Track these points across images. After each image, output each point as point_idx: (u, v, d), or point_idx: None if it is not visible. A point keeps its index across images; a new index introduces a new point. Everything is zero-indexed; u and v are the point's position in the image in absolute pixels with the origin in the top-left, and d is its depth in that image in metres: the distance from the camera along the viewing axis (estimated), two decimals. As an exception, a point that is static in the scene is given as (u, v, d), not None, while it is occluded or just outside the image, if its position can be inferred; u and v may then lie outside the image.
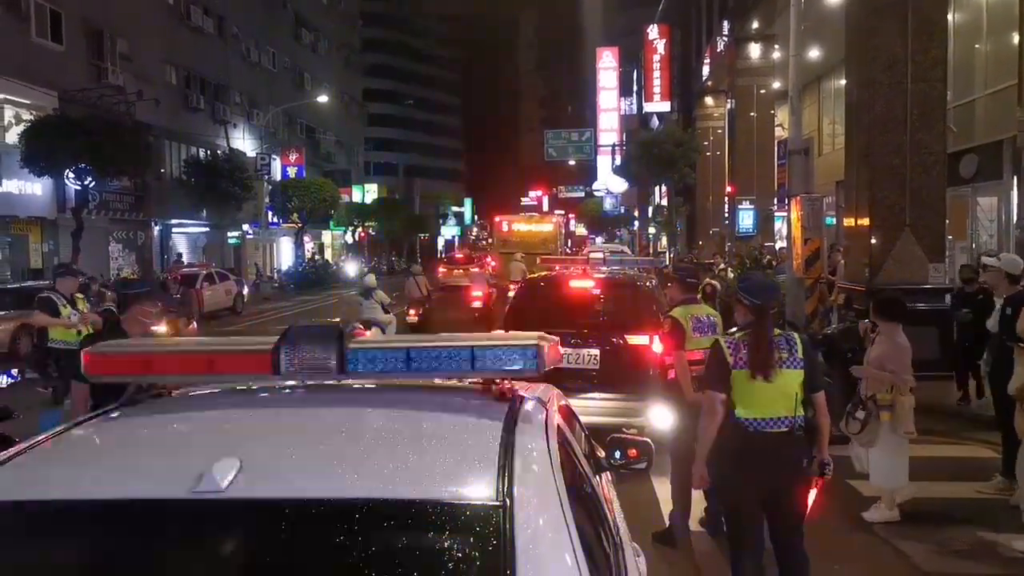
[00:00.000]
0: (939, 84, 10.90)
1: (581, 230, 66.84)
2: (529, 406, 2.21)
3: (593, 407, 6.79)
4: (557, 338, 2.32)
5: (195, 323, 14.01)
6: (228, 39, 36.40)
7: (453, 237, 79.60)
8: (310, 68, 46.87)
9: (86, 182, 21.03)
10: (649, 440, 3.31)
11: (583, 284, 7.51)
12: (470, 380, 2.43)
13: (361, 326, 2.51)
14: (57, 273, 8.29)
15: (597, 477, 3.08)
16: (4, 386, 4.61)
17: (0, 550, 1.62)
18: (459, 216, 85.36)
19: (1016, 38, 14.21)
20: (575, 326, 7.00)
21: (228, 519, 1.54)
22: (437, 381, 2.42)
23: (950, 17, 13.40)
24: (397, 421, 2.05)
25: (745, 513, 3.60)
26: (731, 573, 3.69)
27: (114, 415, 2.11)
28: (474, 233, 76.42)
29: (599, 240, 46.75)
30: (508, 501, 1.55)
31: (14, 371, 4.77)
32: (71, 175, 20.83)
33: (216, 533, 1.54)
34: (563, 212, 55.25)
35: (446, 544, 1.49)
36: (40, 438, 1.94)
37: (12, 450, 1.85)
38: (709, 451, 3.67)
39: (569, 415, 2.92)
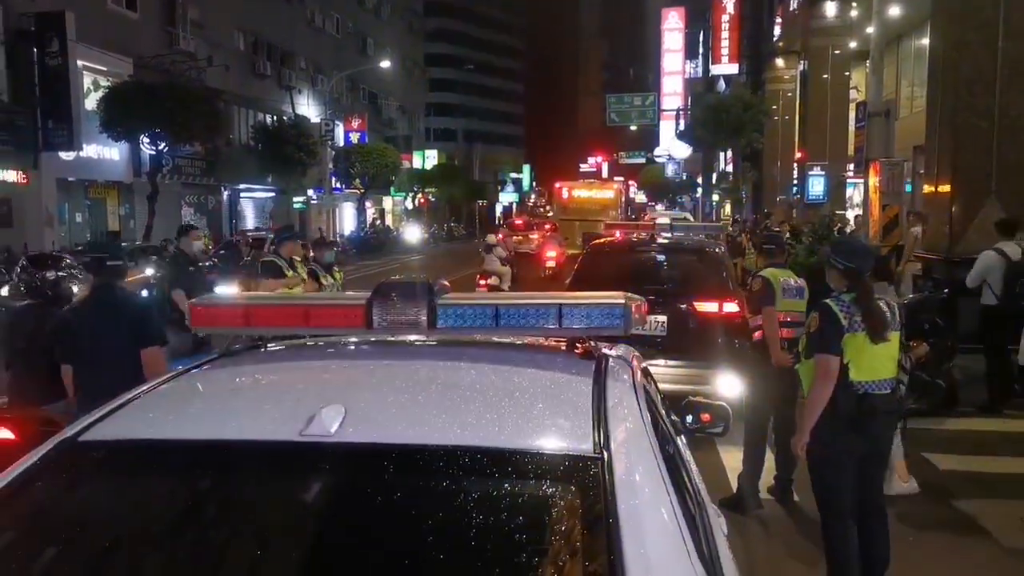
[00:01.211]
0: (1033, 43, 10.32)
1: (641, 197, 65.99)
2: (615, 364, 2.22)
3: (660, 374, 6.74)
4: (642, 298, 2.31)
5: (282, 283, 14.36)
6: (294, 4, 36.75)
7: (511, 204, 79.46)
8: (373, 33, 47.01)
9: (160, 147, 21.67)
10: (727, 405, 3.29)
11: (649, 250, 7.42)
12: (553, 340, 2.45)
13: (447, 283, 2.56)
14: (281, 237, 7.97)
15: (677, 438, 3.08)
16: None
17: (122, 488, 1.72)
18: (517, 183, 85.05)
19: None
20: (641, 292, 6.92)
21: (336, 462, 1.59)
22: (521, 340, 2.44)
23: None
24: (490, 374, 2.08)
25: (846, 474, 3.57)
26: (824, 537, 3.66)
27: (218, 363, 2.19)
28: (532, 200, 76.16)
29: (659, 207, 46.06)
30: (606, 453, 1.57)
31: None
32: (146, 140, 21.50)
33: (324, 476, 1.60)
34: (623, 179, 54.54)
35: (548, 492, 1.52)
36: (150, 384, 2.04)
37: (128, 395, 1.95)
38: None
39: (649, 376, 2.92)
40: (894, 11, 20.50)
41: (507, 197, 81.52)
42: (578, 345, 2.29)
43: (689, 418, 3.23)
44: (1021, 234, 7.43)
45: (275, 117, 32.69)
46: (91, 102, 21.83)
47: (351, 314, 2.20)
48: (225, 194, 31.65)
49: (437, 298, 2.18)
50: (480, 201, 70.41)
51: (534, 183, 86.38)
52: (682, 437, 3.30)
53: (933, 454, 5.87)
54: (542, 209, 56.03)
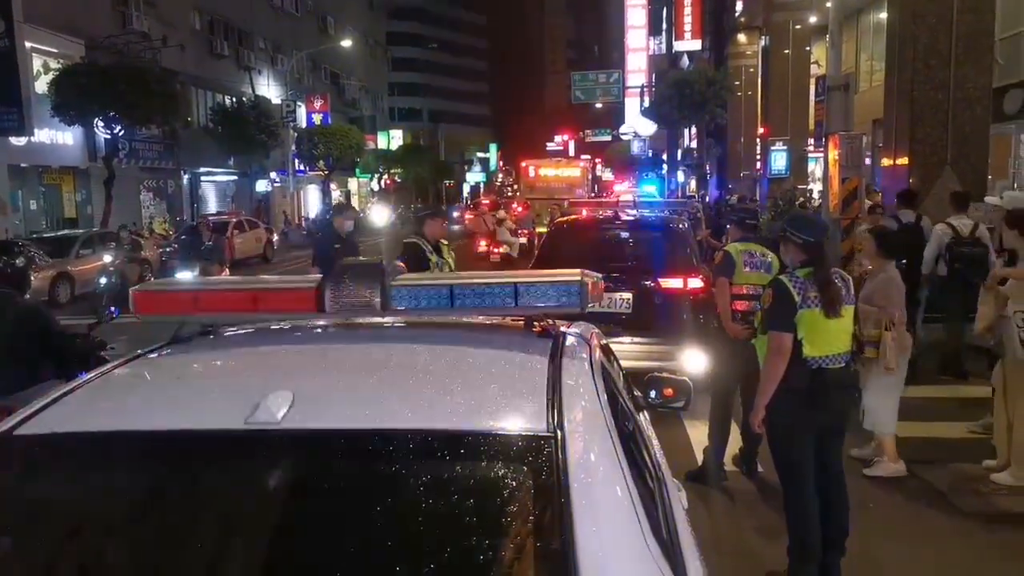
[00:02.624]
0: (988, 15, 10.48)
1: (608, 175, 66.05)
2: (572, 342, 2.20)
3: (626, 351, 6.77)
4: (599, 275, 2.29)
5: (227, 270, 14.15)
6: (250, -17, 35.95)
7: (478, 183, 79.09)
8: (333, 11, 46.21)
9: (115, 131, 21.13)
10: (688, 379, 3.30)
11: (613, 227, 7.41)
12: (511, 319, 2.42)
13: (402, 264, 2.53)
14: (423, 214, 6.93)
15: (639, 415, 3.09)
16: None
17: (59, 483, 1.66)
18: (484, 162, 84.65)
19: (1070, -36, 13.53)
20: (606, 269, 6.92)
21: (283, 450, 1.55)
22: (478, 320, 2.41)
23: (1000, -57, 12.76)
24: (444, 355, 2.05)
25: (805, 448, 3.61)
26: (786, 508, 3.71)
27: (165, 351, 2.13)
28: (499, 179, 75.87)
29: (626, 184, 46.14)
30: (559, 432, 1.55)
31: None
32: (100, 124, 20.93)
33: (271, 464, 1.56)
34: (589, 157, 54.44)
35: (499, 473, 1.50)
36: (94, 374, 1.98)
37: (69, 386, 1.88)
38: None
39: (609, 353, 2.92)
40: (853, -15, 20.69)
41: (474, 177, 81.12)
42: (536, 324, 2.27)
43: (653, 393, 3.25)
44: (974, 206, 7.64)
45: (235, 98, 32.04)
46: (41, 85, 21.18)
47: (302, 298, 2.15)
48: (185, 178, 31.03)
49: (390, 280, 2.14)
50: (447, 181, 69.88)
51: (501, 162, 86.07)
52: (645, 413, 3.33)
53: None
54: (510, 189, 55.83)
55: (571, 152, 69.83)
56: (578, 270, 2.18)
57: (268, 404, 1.58)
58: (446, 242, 6.53)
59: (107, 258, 15.32)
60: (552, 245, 7.57)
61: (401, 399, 1.71)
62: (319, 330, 2.33)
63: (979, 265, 6.82)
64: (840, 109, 9.79)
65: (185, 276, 13.25)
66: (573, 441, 1.54)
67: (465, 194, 75.12)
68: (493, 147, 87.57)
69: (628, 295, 6.94)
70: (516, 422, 1.61)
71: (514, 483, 1.47)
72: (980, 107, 10.34)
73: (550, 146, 79.14)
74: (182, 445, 1.60)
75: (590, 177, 32.49)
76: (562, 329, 2.34)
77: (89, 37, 23.38)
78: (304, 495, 1.54)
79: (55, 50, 22.14)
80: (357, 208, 39.17)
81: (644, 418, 3.27)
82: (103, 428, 1.67)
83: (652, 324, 6.84)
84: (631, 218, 7.73)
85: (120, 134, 21.67)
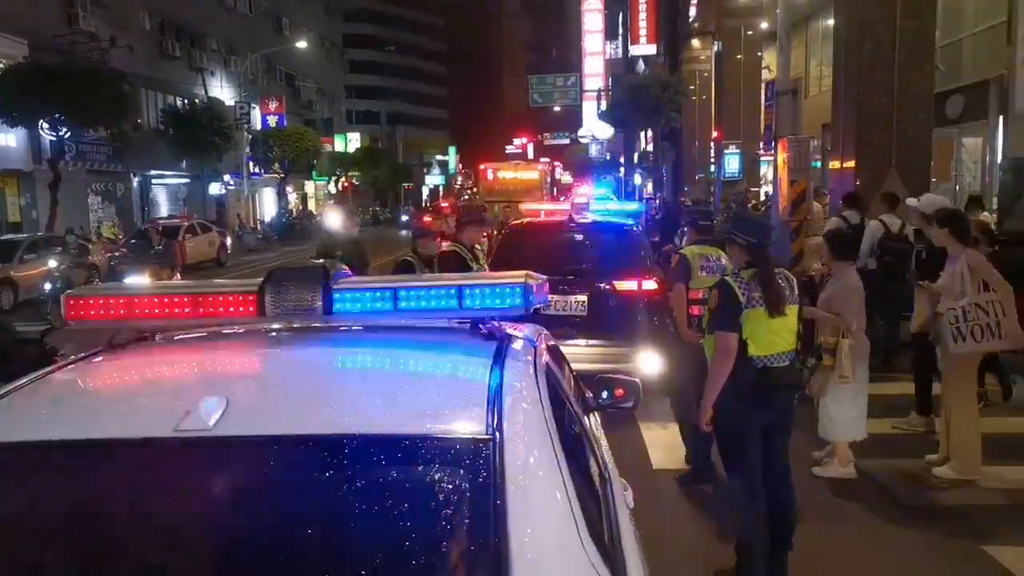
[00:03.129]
0: (929, 22, 10.80)
1: (567, 178, 66.38)
2: (517, 344, 2.20)
3: (581, 354, 6.79)
4: (544, 276, 2.30)
5: (179, 275, 13.87)
6: (203, -17, 35.33)
7: (438, 186, 78.83)
8: (289, 13, 45.65)
9: (61, 133, 20.56)
10: (637, 380, 3.33)
11: (568, 230, 7.43)
12: (456, 321, 2.42)
13: (347, 268, 2.51)
14: (468, 220, 6.14)
15: (587, 417, 3.10)
16: None
17: None
18: (443, 165, 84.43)
19: (1006, -26, 14.01)
20: (561, 272, 6.96)
21: (215, 456, 1.52)
22: (424, 322, 2.40)
23: (941, -47, 13.17)
24: (385, 359, 2.03)
25: (752, 446, 3.66)
26: (733, 507, 3.76)
27: (98, 358, 2.08)
28: (459, 182, 75.70)
29: (584, 187, 46.40)
30: (498, 435, 1.55)
31: None
32: (45, 125, 20.36)
33: (203, 471, 1.53)
34: (549, 160, 54.55)
35: (436, 477, 1.49)
36: (24, 380, 1.91)
37: None
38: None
39: (557, 355, 2.92)
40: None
41: (433, 180, 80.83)
42: (481, 326, 2.27)
43: (605, 393, 3.27)
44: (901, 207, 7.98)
45: (187, 100, 31.44)
46: (-18, 86, 20.47)
47: (242, 302, 2.11)
48: (136, 180, 30.33)
49: (333, 283, 2.12)
50: (406, 184, 69.45)
51: (460, 165, 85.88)
52: (595, 414, 3.35)
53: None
54: (469, 191, 55.75)
55: (530, 155, 70.01)
56: (523, 272, 2.19)
57: (200, 410, 1.54)
58: (480, 246, 6.20)
59: (52, 263, 14.89)
60: (507, 248, 7.55)
61: (338, 404, 1.69)
62: (258, 335, 2.30)
63: (906, 259, 7.11)
64: (788, 113, 10.00)
65: (134, 281, 12.97)
66: (512, 444, 1.54)
67: (425, 196, 74.84)
68: (452, 150, 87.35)
69: (583, 297, 6.97)
70: (455, 425, 1.61)
71: (451, 486, 1.47)
72: (923, 112, 10.66)
73: (509, 149, 79.22)
74: (110, 454, 1.56)
75: (549, 180, 32.61)
76: (509, 331, 2.34)
77: (34, 36, 22.72)
78: (238, 502, 1.51)
79: (-3, 49, 21.48)
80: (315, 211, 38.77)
81: (594, 419, 3.30)
82: (28, 438, 1.62)
83: (607, 326, 6.88)
84: (585, 221, 7.76)
85: (66, 136, 21.09)
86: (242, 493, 1.53)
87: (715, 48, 26.63)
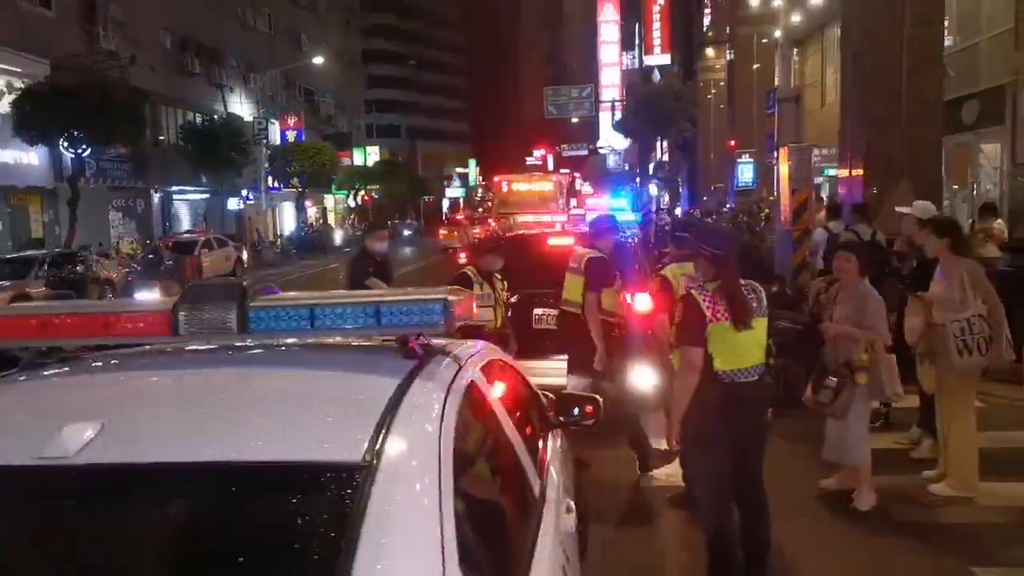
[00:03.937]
0: (937, 28, 10.62)
1: (587, 188, 66.33)
2: (440, 364, 2.13)
3: (556, 369, 6.69)
4: (472, 292, 2.23)
5: (189, 289, 13.98)
6: (223, 1, 35.85)
7: (458, 199, 79.08)
8: (308, 29, 46.20)
9: (80, 150, 20.90)
10: (598, 397, 3.25)
11: (557, 242, 7.31)
12: (386, 337, 2.33)
13: (276, 286, 2.47)
14: (489, 248, 6.47)
15: (540, 436, 3.02)
16: None
17: None
18: (464, 177, 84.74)
19: (1019, -23, 13.76)
20: (548, 286, 6.87)
21: (76, 486, 1.47)
22: (345, 340, 2.34)
23: (951, -43, 13.02)
24: (285, 381, 1.97)
25: (720, 463, 3.55)
26: (703, 524, 3.64)
27: None
28: (479, 194, 75.90)
29: (602, 199, 46.28)
30: (375, 462, 1.48)
31: None
32: (65, 144, 20.70)
33: (64, 501, 1.48)
34: (569, 171, 54.47)
35: (294, 509, 1.42)
36: None
37: None
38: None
39: (502, 374, 2.85)
40: (815, 0, 20.96)
41: (454, 192, 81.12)
42: (408, 343, 2.20)
43: (566, 411, 3.19)
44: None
45: (206, 116, 31.88)
46: (4, 105, 20.91)
47: (155, 321, 2.07)
48: (157, 196, 30.75)
49: (250, 301, 2.07)
50: (426, 197, 69.77)
51: (480, 178, 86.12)
52: (555, 432, 3.27)
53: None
54: (489, 203, 55.97)
55: (550, 166, 70.09)
56: (444, 288, 2.12)
57: (64, 437, 1.49)
58: (499, 275, 6.22)
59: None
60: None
61: (216, 429, 1.63)
62: (159, 356, 2.24)
63: (879, 267, 6.89)
64: (791, 121, 9.85)
65: (144, 296, 13.10)
66: (387, 472, 1.47)
67: (445, 209, 75.09)
68: (472, 162, 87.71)
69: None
70: (328, 452, 1.54)
71: (308, 519, 1.40)
72: (932, 118, 10.45)
73: (530, 161, 79.38)
74: None
75: (565, 191, 32.57)
76: (439, 350, 2.27)
77: (55, 56, 23.15)
78: (98, 532, 1.46)
79: (19, 69, 21.88)
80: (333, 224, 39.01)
81: (555, 439, 3.21)
82: None
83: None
84: (578, 234, 7.65)
85: (86, 153, 21.43)
86: (100, 523, 1.47)
87: (729, 57, 26.50)
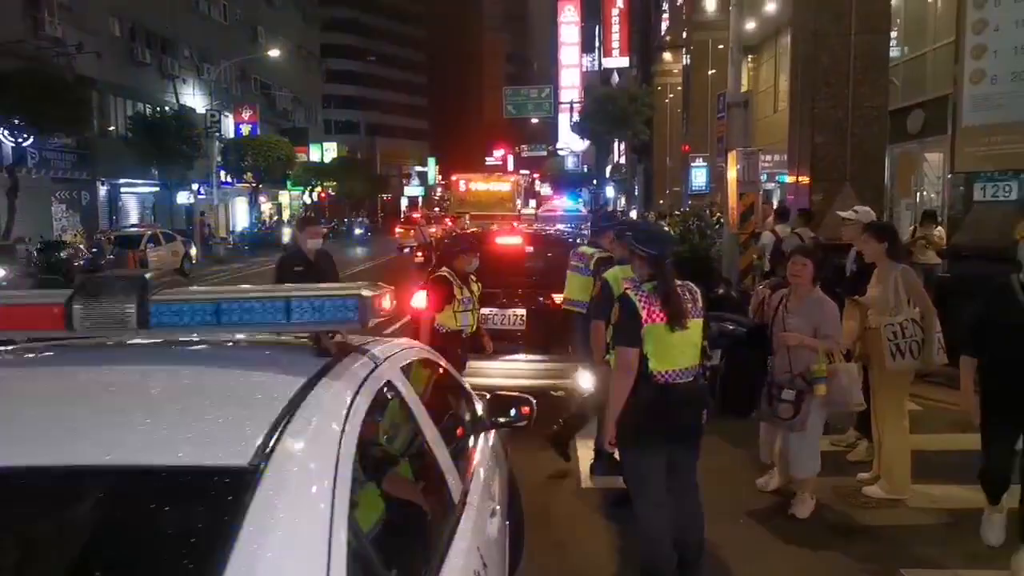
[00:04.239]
0: (883, 36, 10.83)
1: (547, 190, 66.57)
2: (354, 362, 2.05)
3: (520, 369, 6.68)
4: (388, 287, 2.15)
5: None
6: (175, -10, 35.06)
7: (417, 197, 78.64)
8: (265, 21, 45.43)
9: (18, 139, 20.20)
10: (530, 397, 3.20)
11: (510, 242, 7.29)
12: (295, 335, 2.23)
13: (179, 277, 2.36)
14: (463, 248, 5.92)
15: (470, 438, 2.95)
16: None
17: None
18: (423, 176, 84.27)
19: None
20: (501, 286, 6.83)
21: None
22: (252, 337, 2.24)
23: (898, -31, 13.31)
24: (181, 379, 1.87)
25: (653, 463, 3.52)
26: (637, 524, 3.61)
27: None
28: (438, 193, 75.57)
29: (557, 200, 46.52)
30: (263, 465, 1.39)
31: None
32: (5, 132, 20.00)
33: None
34: (528, 172, 54.50)
35: (175, 515, 1.34)
36: None
37: None
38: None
39: (427, 374, 2.78)
40: (770, 7, 21.28)
41: (413, 191, 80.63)
42: (320, 340, 2.10)
43: (498, 412, 3.13)
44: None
45: (155, 107, 31.11)
46: (-61, 90, 20.09)
47: (48, 314, 1.95)
48: (104, 189, 29.90)
49: (151, 294, 1.96)
50: (384, 195, 69.15)
51: (439, 176, 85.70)
52: (488, 434, 3.20)
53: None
54: (446, 202, 55.74)
55: (510, 167, 70.17)
56: (361, 283, 2.04)
57: None
58: (474, 277, 5.92)
59: (0, 272, 14.55)
60: (444, 261, 7.38)
61: (100, 431, 1.53)
62: (46, 352, 2.12)
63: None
64: (739, 125, 9.95)
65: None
66: (275, 475, 1.39)
67: (403, 208, 74.56)
68: (431, 161, 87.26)
69: (522, 311, 6.84)
70: (215, 455, 1.45)
71: (190, 525, 1.31)
72: (877, 126, 10.66)
73: (489, 161, 79.35)
74: None
75: (522, 191, 32.57)
76: (355, 348, 2.18)
77: (-4, 42, 22.34)
78: None
79: (-45, 55, 21.10)
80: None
81: (486, 439, 3.15)
82: None
83: (546, 341, 6.74)
84: (528, 233, 7.63)
85: (28, 143, 20.73)
86: None
87: (686, 61, 26.77)
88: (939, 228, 10.67)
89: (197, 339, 2.17)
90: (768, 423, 4.97)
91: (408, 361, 2.49)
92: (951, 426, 6.07)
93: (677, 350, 3.47)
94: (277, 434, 1.49)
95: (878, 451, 5.14)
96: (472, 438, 2.97)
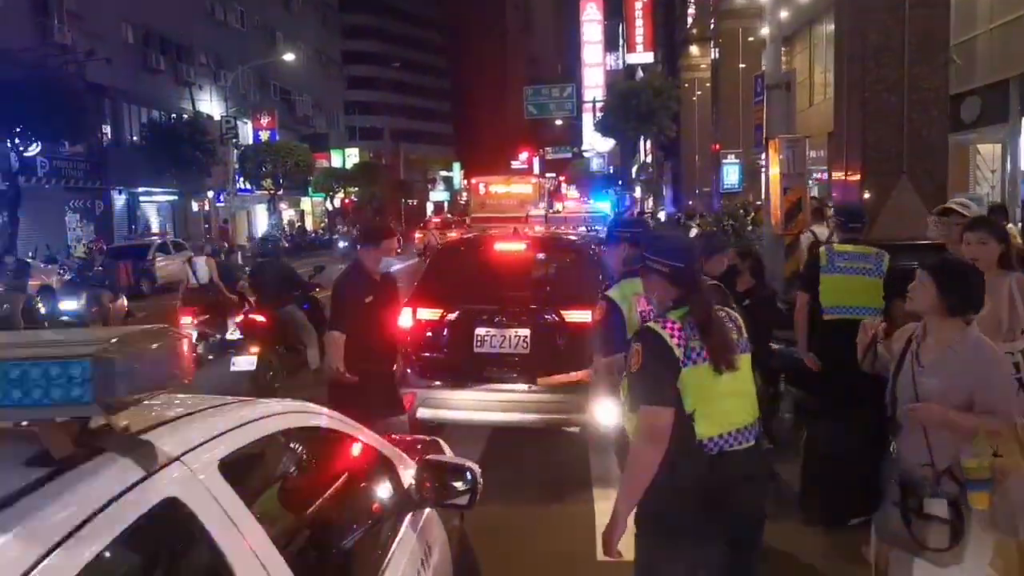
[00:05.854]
0: (942, 10, 9.56)
1: (573, 192, 65.47)
2: (96, 476, 1.17)
3: (524, 401, 5.55)
4: (181, 334, 1.13)
5: (124, 298, 12.74)
6: (190, -5, 34.58)
7: (442, 202, 77.83)
8: (283, 27, 44.92)
9: (22, 148, 19.60)
10: (474, 466, 2.28)
11: (512, 248, 6.10)
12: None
13: None
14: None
15: (380, 529, 2.20)
16: None
17: None
18: (448, 181, 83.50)
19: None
20: (501, 301, 5.71)
21: None
22: None
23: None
24: None
25: (703, 568, 2.39)
26: None
27: None
28: (463, 198, 74.83)
29: (566, 202, 45.37)
30: None
31: None
32: (13, 141, 19.40)
33: None
34: (555, 175, 53.37)
35: None
36: None
37: None
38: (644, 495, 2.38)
39: (306, 452, 2.06)
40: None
41: (438, 196, 79.97)
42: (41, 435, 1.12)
43: (459, 484, 2.25)
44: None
45: (169, 114, 30.57)
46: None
47: None
48: (122, 197, 29.37)
49: None
50: (409, 200, 68.41)
51: (464, 181, 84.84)
52: (418, 515, 2.32)
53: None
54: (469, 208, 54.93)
55: (536, 170, 69.19)
56: (100, 337, 1.20)
57: None
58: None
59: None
60: (436, 273, 6.25)
61: None
62: None
63: None
64: (781, 110, 8.71)
65: (70, 306, 11.85)
66: None
67: (429, 213, 73.91)
68: (456, 165, 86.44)
69: (525, 332, 5.70)
70: None
71: None
72: (937, 110, 9.37)
73: (515, 164, 78.43)
74: None
75: (545, 194, 31.42)
76: (137, 433, 1.28)
77: (0, 51, 21.82)
78: None
79: (-40, 62, 20.56)
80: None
81: (412, 525, 2.29)
82: None
83: (556, 367, 5.58)
84: (532, 238, 6.51)
85: (36, 152, 20.16)
86: None
87: (714, 55, 25.50)
88: (1011, 225, 9.35)
89: None
90: (896, 547, 2.88)
91: (242, 445, 1.51)
92: None
93: (730, 402, 2.36)
94: None
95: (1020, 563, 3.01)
96: (392, 526, 2.21)
